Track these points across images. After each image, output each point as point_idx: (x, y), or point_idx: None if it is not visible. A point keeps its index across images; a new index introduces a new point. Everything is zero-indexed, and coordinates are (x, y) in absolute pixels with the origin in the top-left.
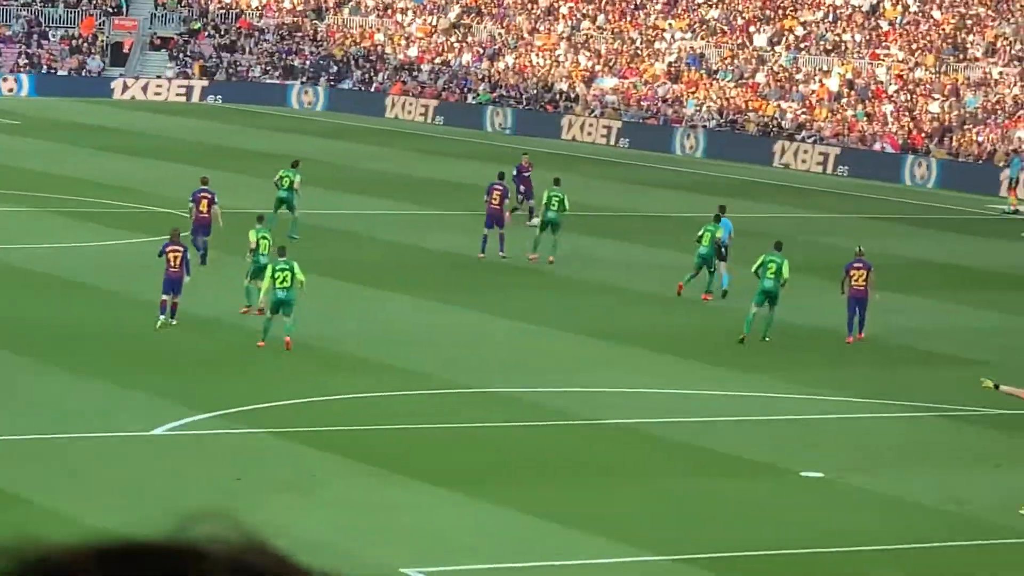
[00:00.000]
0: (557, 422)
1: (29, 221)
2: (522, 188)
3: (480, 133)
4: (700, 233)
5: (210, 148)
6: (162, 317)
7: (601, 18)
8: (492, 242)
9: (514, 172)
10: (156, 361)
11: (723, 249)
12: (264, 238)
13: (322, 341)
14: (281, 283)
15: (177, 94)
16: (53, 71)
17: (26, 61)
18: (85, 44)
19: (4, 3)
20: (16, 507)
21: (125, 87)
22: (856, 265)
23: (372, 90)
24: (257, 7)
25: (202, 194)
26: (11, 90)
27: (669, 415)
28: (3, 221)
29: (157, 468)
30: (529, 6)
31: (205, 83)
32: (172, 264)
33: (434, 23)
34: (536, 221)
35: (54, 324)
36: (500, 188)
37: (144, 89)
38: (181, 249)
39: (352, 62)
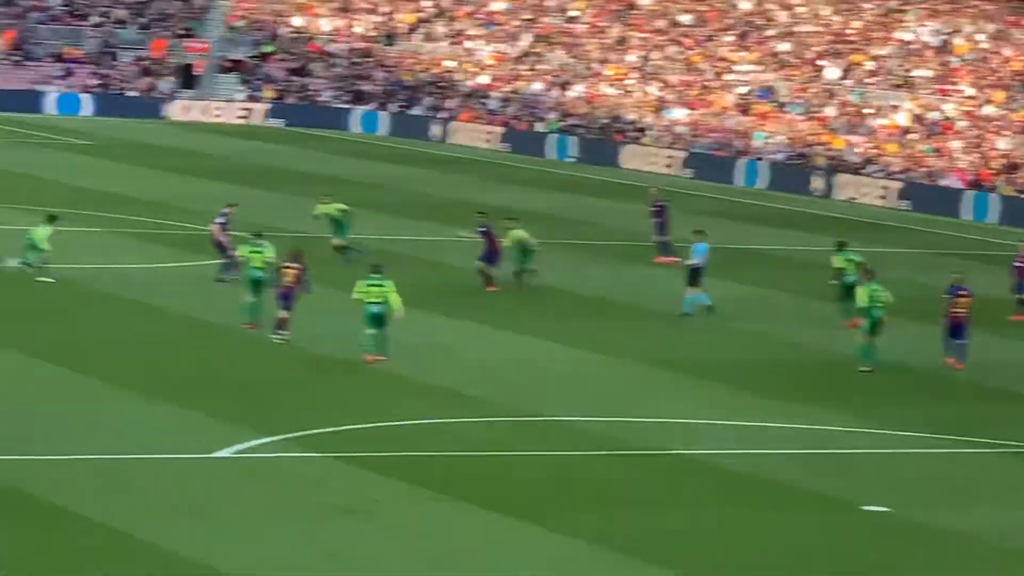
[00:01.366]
0: (614, 451)
1: (92, 240)
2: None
3: (543, 161)
4: (840, 266)
5: (264, 170)
6: (280, 333)
7: (672, 49)
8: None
9: (651, 210)
10: (222, 382)
11: (699, 273)
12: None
13: (385, 366)
14: (377, 298)
15: (238, 117)
16: (121, 92)
17: (97, 81)
18: (156, 66)
19: (76, 24)
20: (74, 524)
21: (186, 109)
22: (961, 292)
23: (440, 117)
24: (328, 31)
25: None
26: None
27: (728, 446)
28: (74, 240)
29: (216, 490)
30: (600, 36)
31: (267, 106)
32: (286, 279)
33: (505, 51)
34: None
35: (127, 345)
36: None
37: (204, 111)
38: (297, 266)
39: (422, 88)
